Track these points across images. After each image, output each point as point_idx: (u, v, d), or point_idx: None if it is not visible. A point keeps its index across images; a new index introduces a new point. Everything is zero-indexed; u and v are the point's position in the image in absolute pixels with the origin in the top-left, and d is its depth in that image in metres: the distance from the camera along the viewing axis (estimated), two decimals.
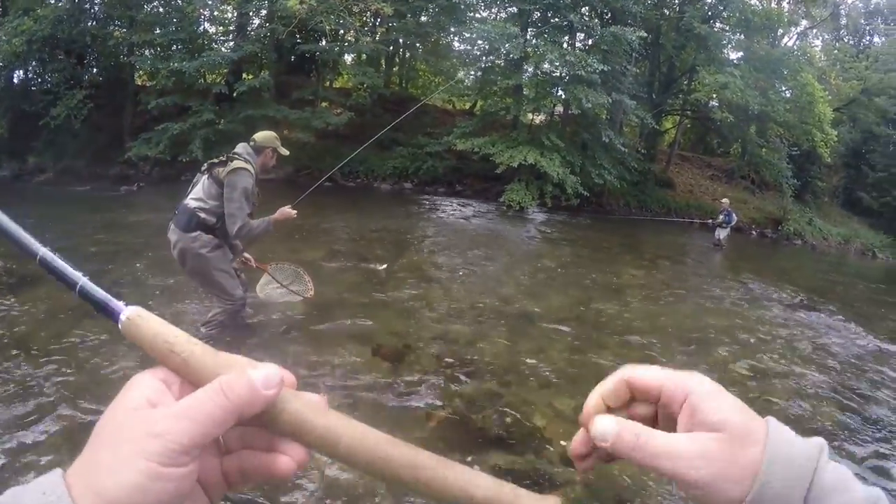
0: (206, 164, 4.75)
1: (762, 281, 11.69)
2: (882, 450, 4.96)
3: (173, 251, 4.65)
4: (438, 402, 4.55)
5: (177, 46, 19.24)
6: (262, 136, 4.90)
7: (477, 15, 21.96)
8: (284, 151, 5.05)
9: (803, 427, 5.10)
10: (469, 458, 3.86)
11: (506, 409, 4.57)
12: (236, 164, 4.53)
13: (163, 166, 18.41)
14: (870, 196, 30.80)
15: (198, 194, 4.62)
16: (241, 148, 4.79)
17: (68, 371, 4.49)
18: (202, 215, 4.55)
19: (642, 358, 6.12)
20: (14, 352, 4.77)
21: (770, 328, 8.14)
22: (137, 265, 7.56)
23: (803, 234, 24.84)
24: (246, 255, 5.29)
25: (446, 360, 5.39)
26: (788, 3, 25.30)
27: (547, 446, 4.17)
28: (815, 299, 10.68)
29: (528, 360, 5.64)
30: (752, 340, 7.41)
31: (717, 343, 7.11)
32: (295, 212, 4.91)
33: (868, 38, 38.58)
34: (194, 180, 4.78)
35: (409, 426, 4.15)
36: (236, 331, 5.14)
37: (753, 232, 23.63)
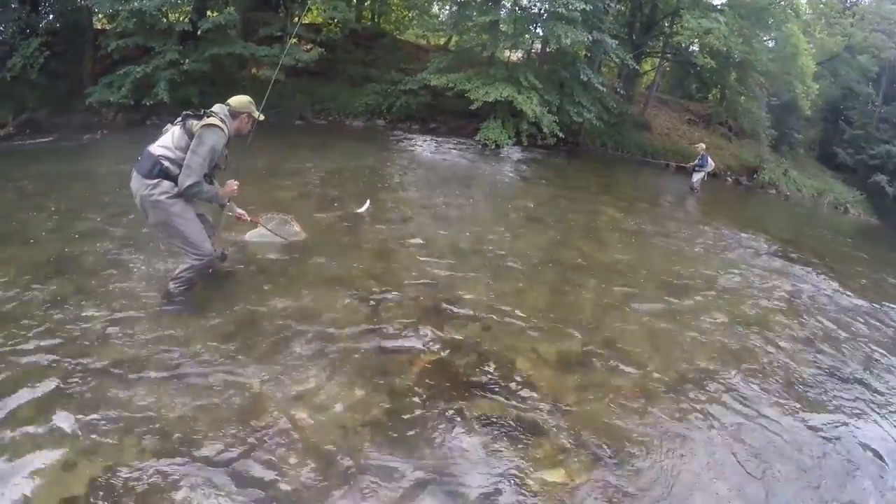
0: (181, 115, 4.56)
1: (737, 228, 11.65)
2: (849, 400, 5.02)
3: (135, 200, 4.48)
4: (420, 347, 4.49)
5: None
6: (237, 100, 4.76)
7: None
8: (260, 116, 4.93)
9: (780, 377, 5.10)
10: (455, 406, 3.81)
11: (489, 353, 4.50)
12: (212, 120, 4.43)
13: (127, 111, 17.69)
14: (845, 152, 30.88)
15: (166, 142, 4.45)
16: (217, 108, 4.64)
17: (39, 334, 4.31)
18: (166, 163, 4.37)
19: (623, 302, 6.11)
20: None
21: (745, 276, 8.10)
22: (98, 219, 7.14)
23: (778, 184, 24.78)
24: (238, 210, 5.16)
25: (426, 303, 5.28)
26: None
27: (532, 392, 4.11)
28: (788, 250, 10.66)
29: (508, 303, 5.54)
30: (727, 287, 7.41)
31: (695, 288, 7.05)
32: (237, 184, 4.89)
33: None
34: (164, 129, 4.61)
35: (392, 372, 4.11)
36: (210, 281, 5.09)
37: (729, 179, 23.48)
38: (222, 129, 4.46)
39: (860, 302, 8.17)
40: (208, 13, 18.51)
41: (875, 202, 28.41)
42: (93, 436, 3.25)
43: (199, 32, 16.84)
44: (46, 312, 4.58)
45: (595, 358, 4.72)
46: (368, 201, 5.77)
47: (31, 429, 3.27)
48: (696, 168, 16.58)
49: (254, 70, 18.59)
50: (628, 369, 4.63)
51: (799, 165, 27.80)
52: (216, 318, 4.58)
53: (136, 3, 16.38)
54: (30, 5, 18.73)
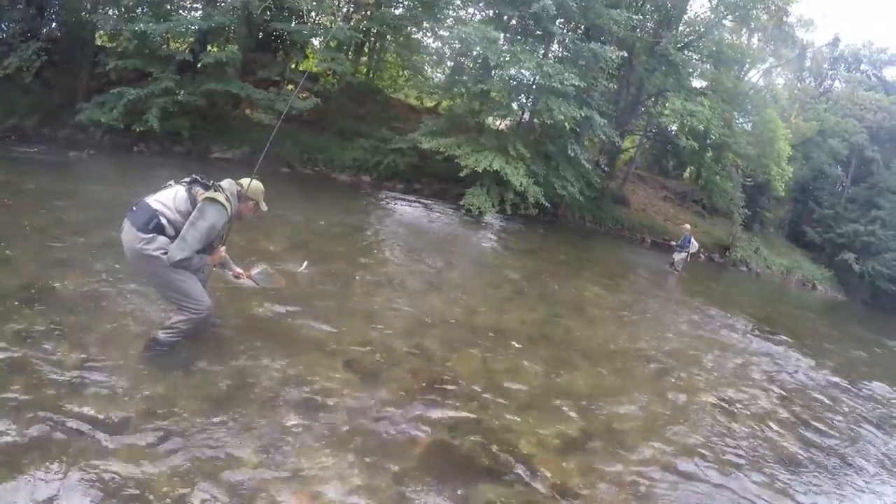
0: (189, 177, 4.42)
1: (714, 306, 12.10)
2: (834, 478, 5.40)
3: (125, 251, 4.24)
4: (420, 427, 4.42)
5: (143, 9, 18.49)
6: (251, 185, 4.62)
7: (453, 14, 21.78)
8: (264, 207, 4.79)
9: (768, 455, 5.37)
10: (460, 492, 3.78)
11: (489, 434, 4.50)
12: (218, 195, 4.28)
13: (115, 134, 17.59)
14: (814, 230, 32.24)
15: (166, 200, 4.25)
16: (226, 184, 4.53)
17: (5, 370, 4.04)
18: (163, 220, 4.18)
19: (614, 382, 6.28)
20: None
21: (726, 355, 8.49)
22: (80, 246, 6.92)
23: (749, 262, 25.66)
24: (235, 270, 4.96)
25: (422, 377, 5.26)
26: (758, 39, 25.86)
27: (536, 477, 4.13)
28: (764, 328, 11.22)
29: (505, 380, 5.61)
30: (711, 367, 7.71)
31: (681, 368, 7.31)
32: (224, 249, 4.65)
33: (830, 81, 39.98)
34: (166, 185, 4.42)
35: (393, 454, 4.02)
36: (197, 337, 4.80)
37: (702, 255, 24.12)
38: (225, 208, 4.31)
39: (836, 379, 8.75)
40: (209, 47, 18.59)
41: (842, 279, 29.93)
42: (59, 495, 3.02)
43: (198, 65, 16.86)
44: (13, 349, 4.28)
45: (594, 440, 4.82)
46: (306, 262, 5.71)
47: None
48: (678, 248, 17.03)
49: (247, 111, 18.68)
50: (627, 452, 4.74)
51: (769, 243, 28.77)
52: (204, 377, 4.39)
53: (140, 26, 16.41)
54: (35, 9, 18.63)
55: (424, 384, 5.12)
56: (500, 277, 10.40)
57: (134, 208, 4.22)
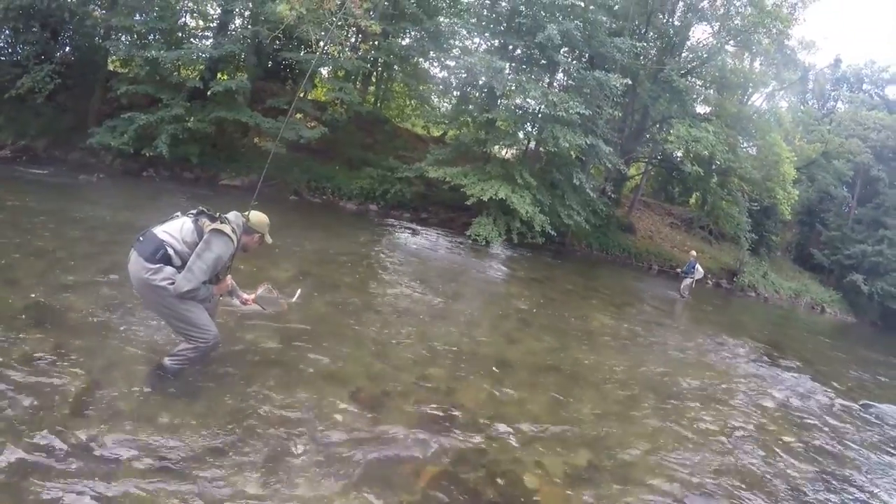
0: (195, 209, 4.44)
1: (724, 333, 12.09)
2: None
3: (132, 281, 4.26)
4: (426, 457, 4.38)
5: (155, 36, 18.74)
6: (257, 217, 4.68)
7: (459, 44, 22.01)
8: (269, 240, 4.83)
9: (780, 488, 5.28)
10: None
11: (495, 466, 4.48)
12: (224, 227, 4.29)
13: (126, 158, 17.81)
14: (821, 253, 32.12)
15: (173, 231, 4.28)
16: (232, 216, 4.52)
17: (9, 392, 4.07)
18: (170, 251, 4.20)
19: (622, 412, 6.24)
20: None
21: (736, 383, 8.42)
22: (87, 271, 7.00)
23: (757, 287, 25.66)
24: (241, 297, 4.98)
25: (428, 408, 5.23)
26: (760, 63, 26.02)
27: None
28: (774, 354, 11.17)
29: (511, 411, 5.57)
30: (720, 396, 7.62)
31: (690, 397, 7.26)
32: (230, 280, 4.71)
33: (832, 102, 40.08)
34: (173, 216, 4.45)
35: (398, 485, 3.98)
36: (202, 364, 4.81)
37: (709, 281, 24.09)
38: (231, 240, 4.31)
39: (847, 403, 8.70)
40: (219, 75, 18.79)
41: (851, 301, 29.87)
42: None
43: (208, 93, 17.05)
44: (20, 369, 4.33)
45: (601, 472, 4.76)
46: (300, 290, 5.47)
47: None
48: (684, 274, 17.18)
49: (256, 139, 18.86)
50: (634, 485, 4.69)
51: (777, 267, 28.72)
52: (208, 407, 4.35)
53: (152, 52, 16.61)
54: (49, 32, 18.86)
55: (430, 415, 5.10)
56: (508, 307, 10.39)
57: (141, 238, 4.25)
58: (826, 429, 7.28)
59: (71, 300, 5.89)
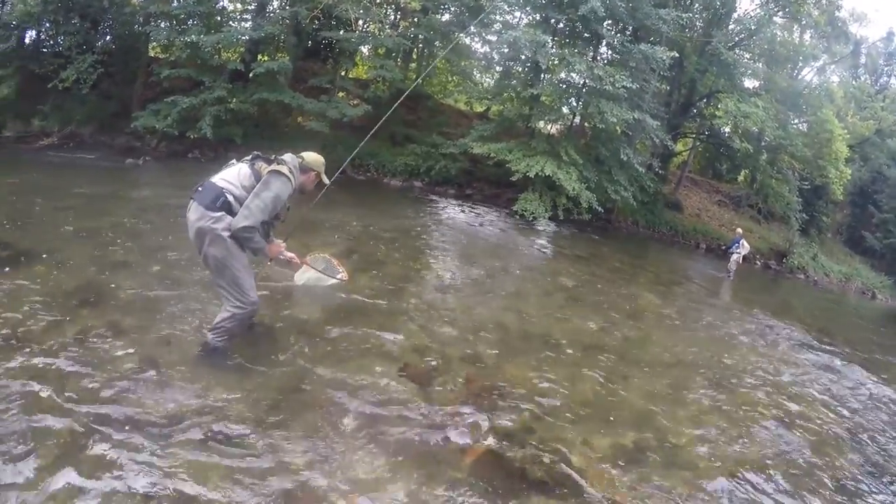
0: (251, 154, 4.45)
1: (772, 316, 11.69)
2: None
3: (190, 231, 4.19)
4: (473, 436, 4.30)
5: (193, 21, 18.86)
6: (311, 156, 4.65)
7: (500, 18, 21.69)
8: (326, 180, 4.80)
9: (826, 476, 5.08)
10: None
11: (542, 445, 4.35)
12: (282, 167, 4.25)
13: (170, 141, 18.02)
14: (873, 236, 30.87)
15: (230, 177, 4.25)
16: (288, 157, 4.47)
17: (65, 367, 4.12)
18: (230, 198, 4.15)
19: (670, 394, 6.05)
20: (10, 339, 4.39)
21: (784, 368, 8.09)
22: (136, 250, 7.15)
23: (806, 269, 24.80)
24: (288, 254, 4.97)
25: (476, 385, 5.15)
26: (810, 36, 25.16)
27: (587, 490, 3.97)
28: (823, 339, 10.73)
29: (558, 390, 5.43)
30: (768, 380, 7.36)
31: (738, 381, 7.02)
32: (284, 246, 4.75)
33: (886, 78, 38.58)
34: (229, 163, 4.45)
35: (445, 462, 3.90)
36: (244, 335, 4.80)
37: (758, 262, 23.46)
38: (289, 179, 4.28)
39: None
40: (260, 57, 18.80)
41: None
42: (112, 498, 2.99)
43: (250, 74, 17.07)
44: (72, 346, 4.41)
45: (647, 454, 4.65)
46: (342, 271, 5.56)
47: (43, 477, 3.04)
48: (729, 252, 16.96)
49: (299, 119, 18.84)
50: (680, 467, 4.57)
51: (826, 250, 27.84)
52: (258, 381, 4.37)
53: (192, 37, 16.72)
54: (89, 22, 19.15)
55: (478, 392, 5.04)
56: (554, 284, 10.24)
57: (200, 189, 4.21)
58: (875, 420, 6.95)
59: (122, 279, 5.98)
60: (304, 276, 5.43)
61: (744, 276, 18.02)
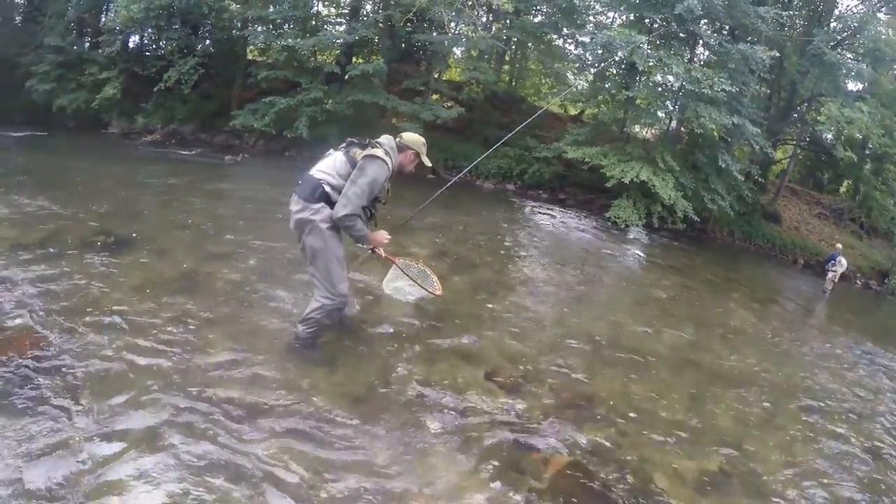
0: (345, 141, 4.41)
1: (871, 341, 10.95)
2: None
3: (291, 222, 4.31)
4: (557, 446, 4.22)
5: (289, 25, 19.39)
6: (409, 136, 4.59)
7: (593, 19, 21.38)
8: (427, 161, 4.68)
9: None
10: None
11: (626, 463, 4.25)
12: (377, 151, 4.22)
13: (267, 139, 18.60)
14: None
15: (326, 167, 4.28)
16: (385, 139, 4.44)
17: (161, 351, 4.31)
18: (327, 188, 4.20)
19: (761, 418, 5.80)
20: (112, 322, 4.63)
21: (882, 399, 7.58)
22: (233, 243, 7.40)
23: None
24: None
25: (563, 395, 5.05)
26: None
27: None
28: None
29: (646, 407, 5.29)
30: (865, 411, 6.90)
31: (833, 410, 6.61)
32: (389, 237, 4.54)
33: None
34: (326, 154, 4.45)
35: (527, 472, 3.85)
36: (333, 329, 4.90)
37: (858, 281, 22.15)
38: (385, 162, 4.24)
39: None
40: (355, 59, 19.13)
41: None
42: (199, 478, 3.11)
43: (345, 77, 17.35)
44: (170, 331, 4.60)
45: (733, 480, 4.47)
46: (437, 283, 5.03)
47: (134, 456, 3.17)
48: (827, 269, 16.30)
49: (393, 120, 19.02)
50: (766, 498, 4.35)
51: None
52: (345, 376, 4.44)
53: (289, 41, 17.10)
54: (190, 28, 20.01)
55: (565, 403, 4.95)
56: (646, 295, 10.00)
57: (300, 182, 4.30)
58: None
59: (219, 270, 6.22)
60: (394, 283, 5.08)
61: (842, 295, 17.22)
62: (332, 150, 4.45)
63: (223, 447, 3.37)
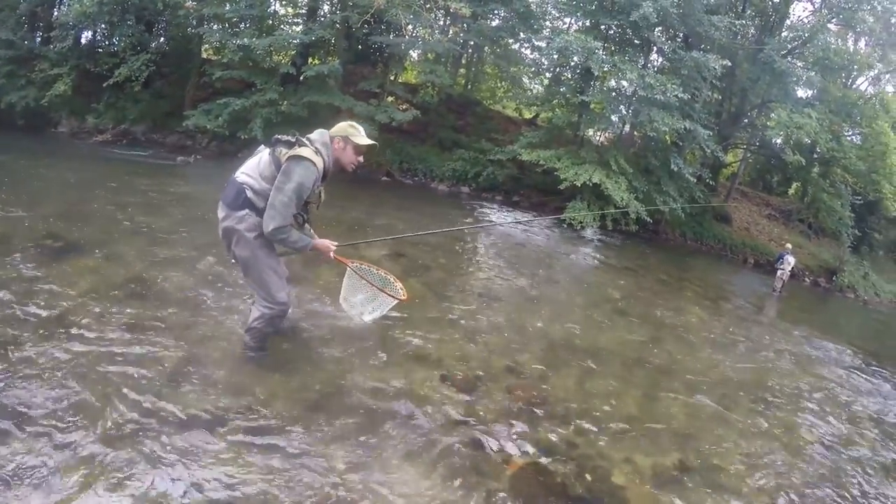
0: (273, 138, 4.01)
1: (819, 337, 11.35)
2: None
3: (218, 230, 4.06)
4: (515, 448, 4.25)
5: (246, 24, 19.20)
6: (337, 127, 4.14)
7: (549, 24, 21.57)
8: (367, 141, 4.16)
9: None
10: None
11: (583, 461, 4.30)
12: (303, 150, 3.82)
13: (221, 141, 18.36)
14: None
15: (250, 169, 3.98)
16: (316, 135, 4.08)
17: (111, 360, 4.19)
18: (250, 194, 3.90)
19: (714, 412, 5.93)
20: (59, 330, 4.49)
21: (831, 392, 7.83)
22: (183, 247, 7.29)
23: (856, 288, 23.86)
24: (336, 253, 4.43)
25: (519, 396, 5.09)
26: (865, 44, 24.44)
27: None
28: (872, 363, 10.31)
29: (602, 405, 5.36)
30: (815, 403, 7.13)
31: (785, 402, 6.85)
32: (334, 249, 4.16)
33: None
34: (256, 151, 4.15)
35: (485, 473, 3.86)
36: (283, 334, 4.83)
37: (807, 279, 22.79)
38: (313, 163, 3.85)
39: None
40: (311, 60, 19.01)
41: None
42: (154, 490, 3.05)
43: (301, 77, 17.24)
44: (116, 338, 4.46)
45: (690, 474, 4.54)
46: (400, 287, 4.54)
47: (84, 472, 3.07)
48: (776, 266, 16.74)
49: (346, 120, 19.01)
50: (723, 490, 4.45)
51: (879, 268, 26.80)
52: (299, 382, 4.36)
53: (244, 40, 16.96)
54: (144, 24, 19.67)
55: (520, 403, 4.98)
56: (600, 295, 10.16)
57: (226, 185, 4.03)
58: None
59: (169, 274, 6.10)
60: (353, 298, 4.51)
61: (792, 293, 17.67)
62: (262, 147, 4.16)
63: (178, 458, 3.31)
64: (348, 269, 4.34)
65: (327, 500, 3.27)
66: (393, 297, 4.34)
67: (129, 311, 4.99)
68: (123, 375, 3.99)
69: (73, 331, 4.49)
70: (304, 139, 3.96)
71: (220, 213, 4.02)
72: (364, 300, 4.44)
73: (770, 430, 5.85)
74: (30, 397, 3.60)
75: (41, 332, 4.41)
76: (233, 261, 4.27)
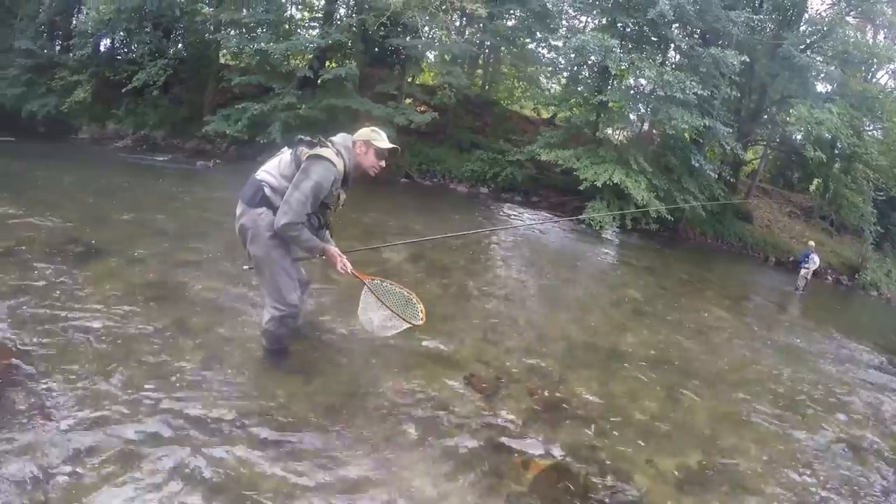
0: (296, 138, 4.04)
1: (842, 336, 11.14)
2: None
3: (236, 225, 4.05)
4: (536, 449, 4.20)
5: (262, 29, 19.30)
6: (360, 131, 4.16)
7: (566, 23, 21.50)
8: (385, 145, 4.14)
9: None
10: None
11: (605, 463, 4.25)
12: (324, 151, 3.84)
13: (240, 145, 18.49)
14: None
15: (271, 167, 4.00)
16: (339, 138, 4.13)
17: (134, 362, 4.20)
18: (267, 191, 3.90)
19: (737, 414, 5.87)
20: (79, 334, 4.49)
21: (856, 392, 7.67)
22: (205, 250, 7.35)
23: (879, 286, 23.50)
24: (349, 265, 4.30)
25: (540, 397, 5.05)
26: (884, 37, 24.13)
27: None
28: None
29: (623, 405, 5.31)
30: (839, 404, 7.01)
31: (809, 403, 6.71)
32: (342, 263, 4.09)
33: None
34: (280, 151, 4.14)
35: (507, 474, 3.82)
36: (303, 336, 4.85)
37: (829, 277, 22.47)
38: (332, 163, 3.84)
39: None
40: (328, 63, 19.08)
41: None
42: (174, 492, 3.03)
43: (318, 81, 17.30)
44: (141, 341, 4.48)
45: (712, 475, 4.49)
46: (420, 309, 4.52)
47: (107, 472, 3.07)
48: (799, 266, 16.49)
49: (367, 124, 19.05)
50: (745, 492, 4.38)
51: None
52: (320, 384, 4.34)
53: (262, 44, 17.02)
54: (162, 31, 19.85)
55: (542, 405, 4.95)
56: (621, 295, 10.06)
57: (246, 184, 4.04)
58: None
59: (190, 277, 6.11)
60: (370, 313, 4.36)
61: (814, 291, 17.41)
62: (284, 149, 4.13)
63: (197, 460, 3.29)
64: (365, 286, 4.24)
65: (348, 503, 3.25)
66: (407, 321, 4.23)
67: (151, 313, 5.01)
68: (141, 379, 4.00)
69: (96, 334, 4.51)
70: (326, 141, 3.98)
71: (238, 210, 4.02)
72: (380, 319, 4.31)
73: (795, 432, 5.77)
74: (53, 397, 3.64)
75: (65, 335, 4.44)
76: (245, 267, 4.34)
